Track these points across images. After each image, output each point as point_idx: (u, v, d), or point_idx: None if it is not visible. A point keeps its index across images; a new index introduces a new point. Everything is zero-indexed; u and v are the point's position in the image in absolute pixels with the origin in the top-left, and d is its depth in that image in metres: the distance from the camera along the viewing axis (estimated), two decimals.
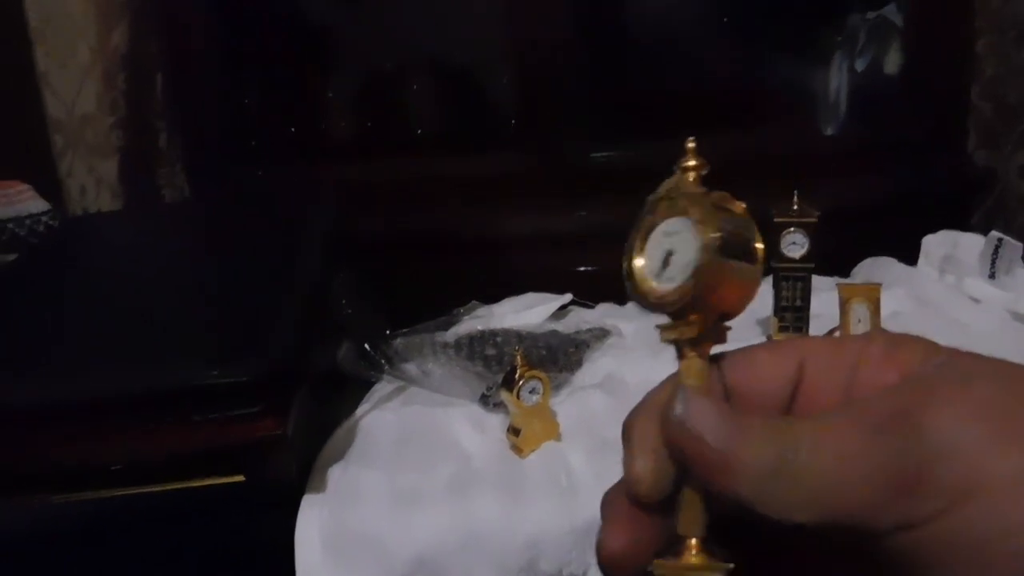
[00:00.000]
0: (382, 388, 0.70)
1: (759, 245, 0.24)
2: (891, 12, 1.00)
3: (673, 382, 0.23)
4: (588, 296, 0.88)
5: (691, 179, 0.25)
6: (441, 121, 1.12)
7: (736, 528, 0.22)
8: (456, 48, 1.07)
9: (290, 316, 0.59)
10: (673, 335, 0.23)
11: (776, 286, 0.70)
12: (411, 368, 0.72)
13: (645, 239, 0.25)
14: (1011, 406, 0.20)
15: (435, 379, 0.69)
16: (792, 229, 0.67)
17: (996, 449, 0.19)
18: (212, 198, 1.03)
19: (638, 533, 0.23)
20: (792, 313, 0.70)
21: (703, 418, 0.21)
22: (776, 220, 0.67)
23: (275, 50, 1.08)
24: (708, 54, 1.05)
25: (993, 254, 0.78)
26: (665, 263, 0.24)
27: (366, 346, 0.71)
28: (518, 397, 0.57)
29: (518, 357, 0.58)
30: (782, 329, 0.70)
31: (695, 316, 0.23)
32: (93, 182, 1.03)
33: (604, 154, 1.02)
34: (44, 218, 0.88)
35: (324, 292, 0.69)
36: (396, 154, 1.06)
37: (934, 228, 0.87)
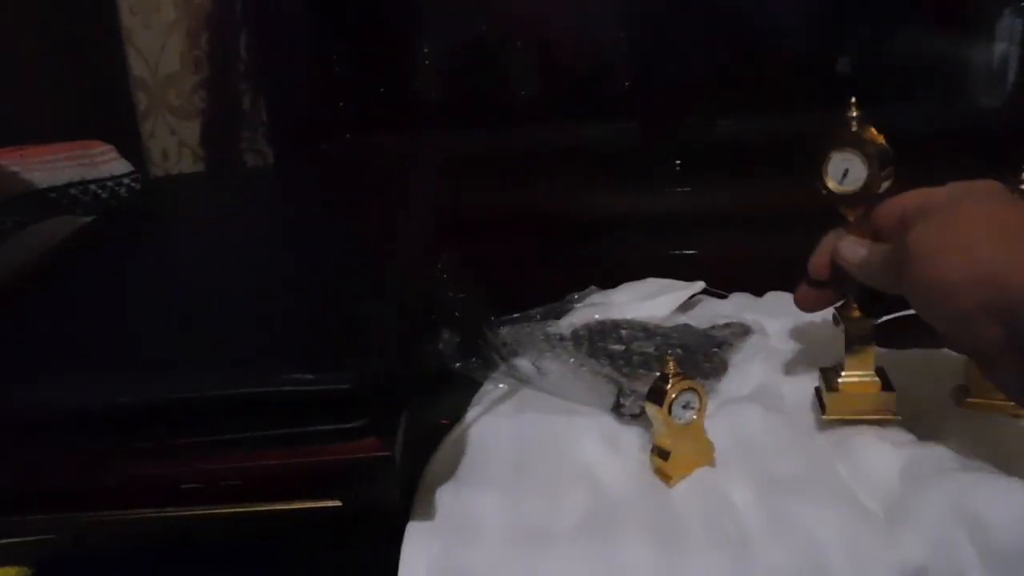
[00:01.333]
0: (492, 389, 0.61)
1: (891, 163, 0.50)
2: None
3: (841, 232, 0.52)
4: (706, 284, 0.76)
5: (855, 126, 0.50)
6: (547, 87, 1.03)
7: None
8: (562, 4, 0.97)
9: (395, 310, 0.50)
10: (850, 214, 0.52)
11: None
12: (524, 364, 0.62)
13: (827, 161, 0.51)
14: (956, 226, 0.43)
15: (554, 379, 0.59)
16: None
17: (936, 251, 0.43)
18: (298, 165, 0.95)
19: (815, 294, 0.53)
20: None
21: (849, 250, 0.50)
22: None
23: (365, 8, 1.00)
24: (850, 20, 0.92)
25: None
26: (844, 176, 0.50)
27: (473, 338, 0.62)
28: (670, 413, 0.47)
29: (670, 363, 0.47)
30: None
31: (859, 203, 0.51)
32: (175, 144, 0.98)
33: (730, 126, 0.91)
34: (127, 180, 0.82)
35: (430, 280, 0.60)
36: (496, 123, 0.97)
37: None
